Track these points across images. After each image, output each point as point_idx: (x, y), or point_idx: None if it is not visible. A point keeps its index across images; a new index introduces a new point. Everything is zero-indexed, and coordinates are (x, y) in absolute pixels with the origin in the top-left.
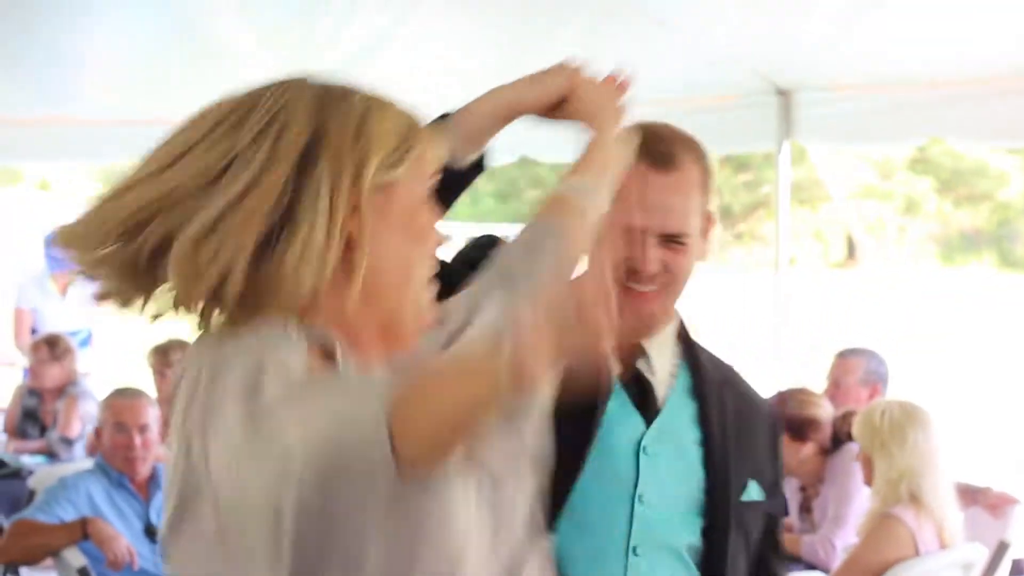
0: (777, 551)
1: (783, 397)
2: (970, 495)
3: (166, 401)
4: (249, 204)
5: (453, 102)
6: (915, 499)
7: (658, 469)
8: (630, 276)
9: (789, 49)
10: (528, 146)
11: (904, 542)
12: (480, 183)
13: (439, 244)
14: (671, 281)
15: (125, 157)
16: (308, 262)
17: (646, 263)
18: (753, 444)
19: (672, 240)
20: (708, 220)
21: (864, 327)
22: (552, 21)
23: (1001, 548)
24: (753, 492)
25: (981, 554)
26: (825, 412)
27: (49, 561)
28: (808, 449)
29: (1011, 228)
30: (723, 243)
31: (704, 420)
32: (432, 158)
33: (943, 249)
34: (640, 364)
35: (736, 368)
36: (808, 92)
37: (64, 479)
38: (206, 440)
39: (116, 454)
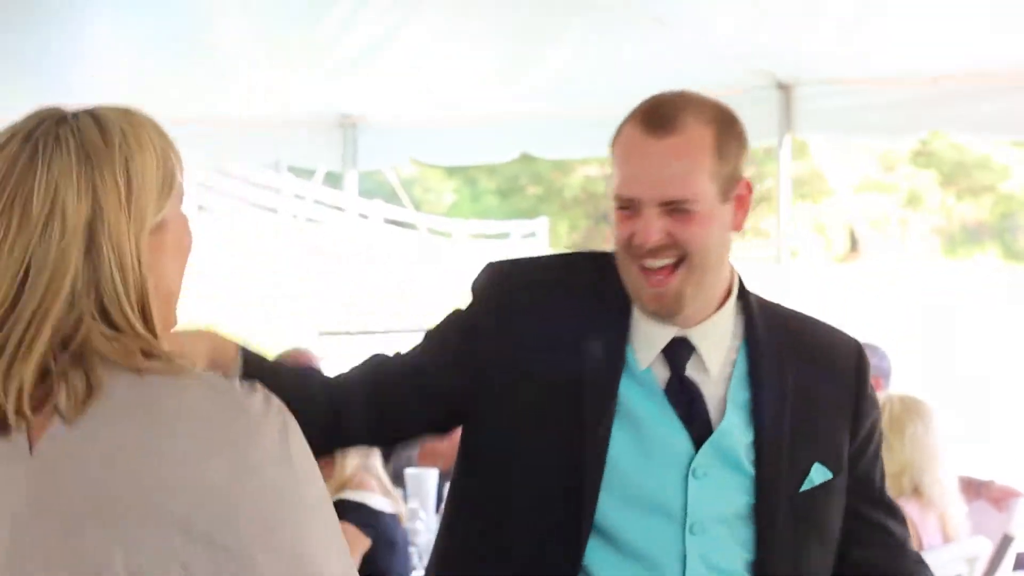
0: (883, 512)
1: None
2: (974, 488)
3: None
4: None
5: (454, 102)
6: (918, 492)
7: (708, 491)
8: (637, 252)
9: (789, 43)
10: (529, 143)
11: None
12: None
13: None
14: (684, 253)
15: None
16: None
17: (645, 234)
18: (818, 419)
19: (675, 208)
20: (733, 185)
21: (867, 321)
22: (553, 22)
23: (1005, 541)
24: (817, 476)
25: (985, 547)
26: None
27: None
28: None
29: (1014, 221)
30: None
31: (757, 414)
32: (182, 175)
33: (946, 242)
34: (690, 367)
35: (812, 314)
36: (809, 86)
37: None
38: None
39: None
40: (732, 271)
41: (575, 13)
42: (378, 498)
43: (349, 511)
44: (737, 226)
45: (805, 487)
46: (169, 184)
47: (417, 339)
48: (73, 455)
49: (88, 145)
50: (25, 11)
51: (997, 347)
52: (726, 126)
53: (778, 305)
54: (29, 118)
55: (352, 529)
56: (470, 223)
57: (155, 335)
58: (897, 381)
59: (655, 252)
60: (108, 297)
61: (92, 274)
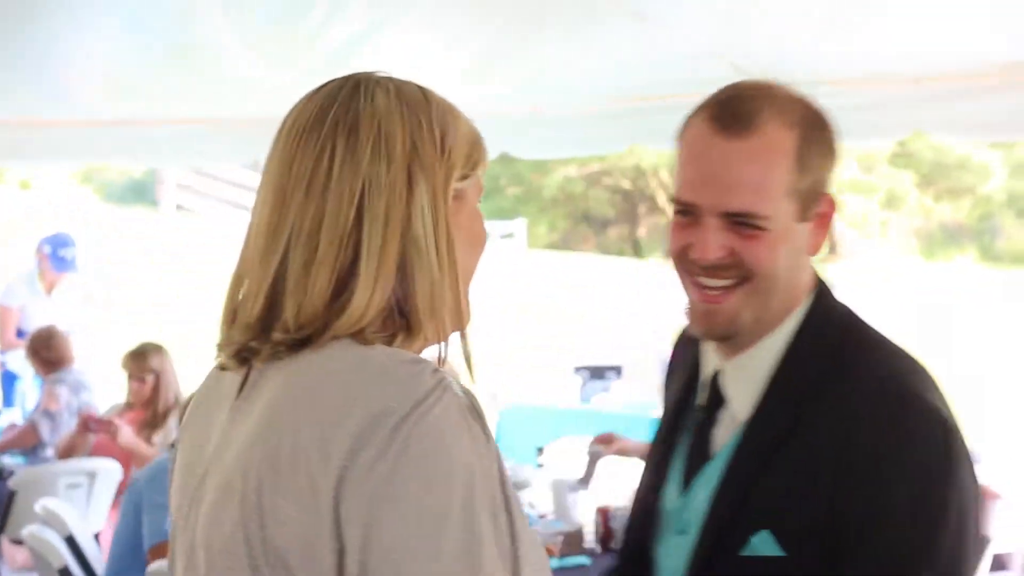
0: None
1: None
2: None
3: (143, 405)
4: (392, 226)
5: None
6: None
7: (674, 545)
8: (692, 268)
9: (769, 44)
10: (508, 143)
11: None
12: None
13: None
14: (747, 276)
15: (107, 158)
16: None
17: (703, 249)
18: (792, 486)
19: (742, 222)
20: (814, 201)
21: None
22: (534, 19)
23: (982, 543)
24: (761, 546)
25: None
26: None
27: (29, 561)
28: None
29: (992, 222)
30: None
31: (732, 458)
32: (485, 169)
33: (925, 243)
34: (701, 395)
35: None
36: (790, 87)
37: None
38: (374, 512)
39: None
40: (801, 290)
41: (554, 11)
42: None
43: None
44: (813, 249)
45: (744, 552)
46: (475, 160)
47: None
48: None
49: (407, 94)
50: (6, 13)
51: (977, 348)
52: (813, 130)
53: (851, 332)
54: (340, 78)
55: None
56: None
57: (456, 285)
58: None
59: (713, 271)
60: (415, 233)
61: (406, 209)
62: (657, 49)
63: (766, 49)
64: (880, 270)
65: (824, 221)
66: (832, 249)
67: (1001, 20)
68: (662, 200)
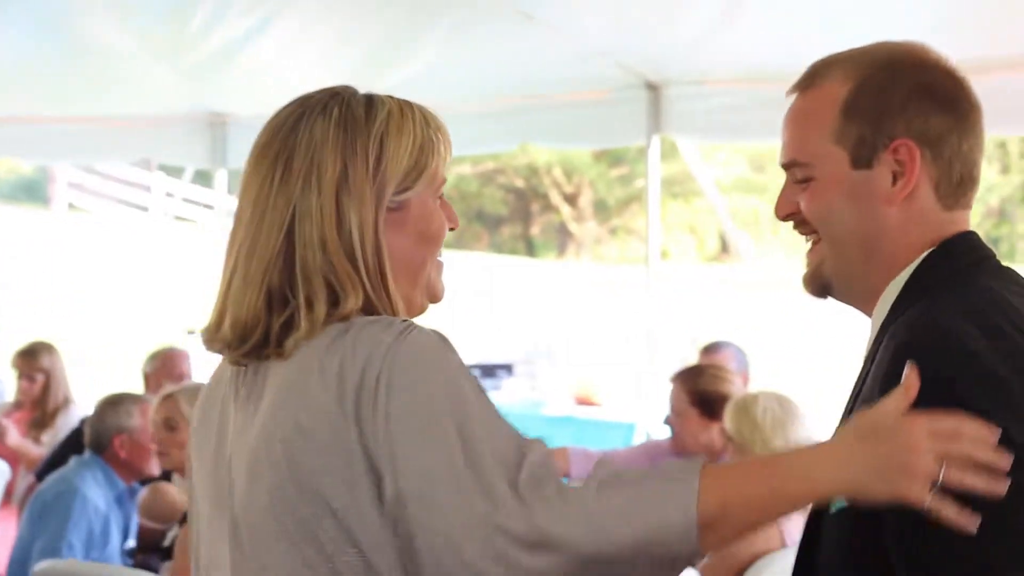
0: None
1: (696, 372)
2: None
3: (32, 404)
4: (327, 244)
5: None
6: None
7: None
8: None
9: (658, 43)
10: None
11: (771, 534)
12: None
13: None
14: (814, 228)
15: (1, 155)
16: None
17: (776, 203)
18: None
19: (796, 175)
20: (874, 147)
21: (734, 320)
22: (422, 18)
23: None
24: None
25: None
26: (738, 389)
27: None
28: (718, 427)
29: None
30: (598, 237)
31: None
32: (442, 168)
33: None
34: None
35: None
36: (678, 87)
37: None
38: (396, 458)
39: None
40: (908, 244)
41: (443, 9)
42: None
43: None
44: (892, 199)
45: (833, 508)
46: (419, 171)
47: None
48: None
49: (349, 119)
50: None
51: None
52: (874, 79)
53: (952, 298)
54: (315, 92)
55: None
56: None
57: (388, 296)
58: (764, 377)
59: (796, 227)
60: (346, 251)
61: (339, 228)
62: (545, 48)
63: (652, 49)
64: (771, 269)
65: (904, 169)
66: (724, 248)
67: (885, 19)
68: (555, 199)
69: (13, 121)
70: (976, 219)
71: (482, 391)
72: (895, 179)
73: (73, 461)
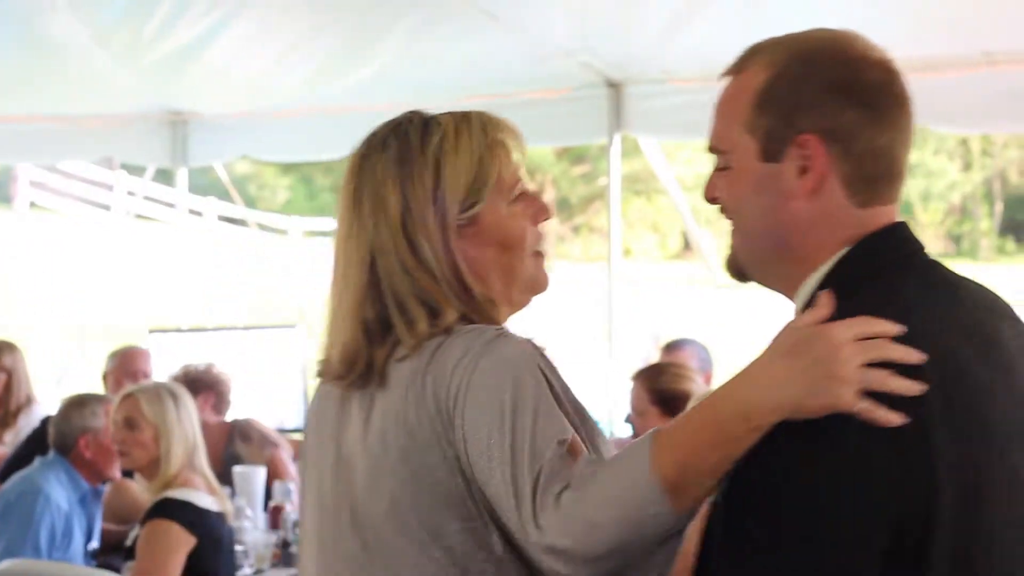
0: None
1: (656, 370)
2: None
3: None
4: (408, 269)
5: (283, 98)
6: None
7: None
8: None
9: (620, 42)
10: (360, 139)
11: None
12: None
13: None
14: (728, 214)
15: None
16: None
17: (705, 187)
18: None
19: (717, 161)
20: (782, 142)
21: (697, 318)
22: (384, 16)
23: None
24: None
25: None
26: (699, 387)
27: None
28: None
29: None
30: (560, 235)
31: None
32: (511, 171)
33: None
34: None
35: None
36: (639, 85)
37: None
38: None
39: (108, 459)
40: (821, 242)
41: (405, 7)
42: (204, 496)
43: (174, 509)
44: (797, 193)
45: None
46: (482, 183)
47: (249, 337)
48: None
49: (404, 149)
50: None
51: None
52: (792, 68)
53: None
54: (382, 124)
55: (177, 528)
56: (304, 220)
57: (478, 304)
58: (725, 376)
59: (720, 211)
60: (427, 271)
61: (413, 255)
62: (507, 47)
63: (614, 48)
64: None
65: (810, 164)
66: (686, 246)
67: (843, 17)
68: None
69: None
70: (938, 216)
71: (542, 388)
72: (802, 174)
73: (37, 461)
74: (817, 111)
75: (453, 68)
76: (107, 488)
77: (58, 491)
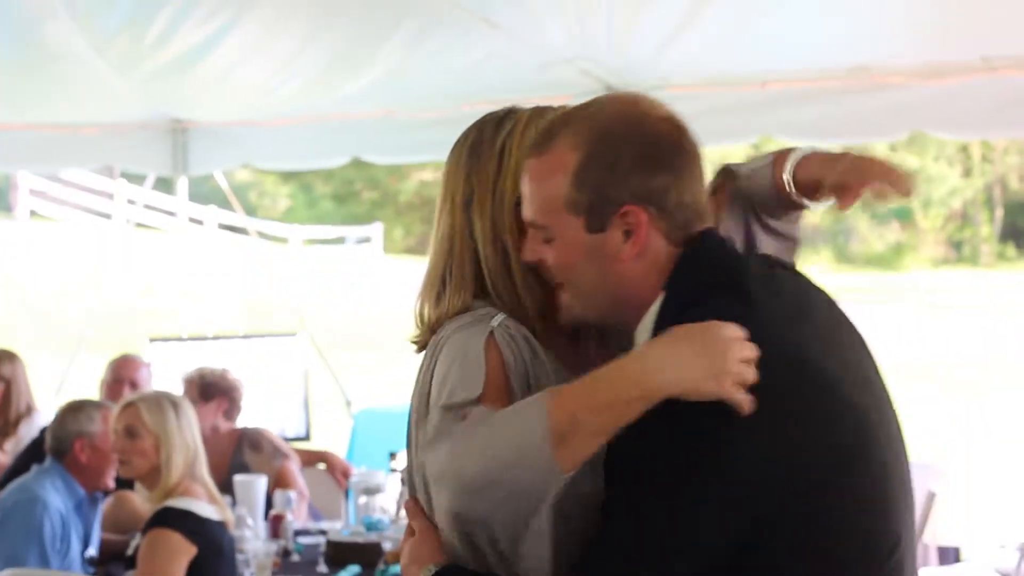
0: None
1: None
2: None
3: None
4: (457, 251)
5: (283, 106)
6: None
7: None
8: None
9: (620, 50)
10: (361, 147)
11: None
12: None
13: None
14: (558, 277)
15: None
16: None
17: (523, 253)
18: None
19: (538, 233)
20: (605, 213)
21: None
22: (383, 23)
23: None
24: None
25: None
26: None
27: None
28: None
29: (846, 224)
30: None
31: None
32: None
33: None
34: None
35: None
36: (638, 91)
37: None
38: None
39: (104, 465)
40: (647, 288)
41: (405, 15)
42: (204, 505)
43: (175, 519)
44: (627, 257)
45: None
46: None
47: (250, 345)
48: None
49: (478, 140)
50: None
51: None
52: (599, 147)
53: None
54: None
55: (178, 537)
56: (305, 228)
57: (515, 292)
58: None
59: (543, 271)
60: (472, 256)
61: (470, 236)
62: (508, 54)
63: (614, 55)
64: None
65: (634, 230)
66: None
67: (844, 24)
68: None
69: None
70: (938, 223)
71: (479, 359)
72: (627, 239)
73: (34, 469)
74: (631, 183)
75: (452, 75)
76: (107, 499)
77: (54, 498)
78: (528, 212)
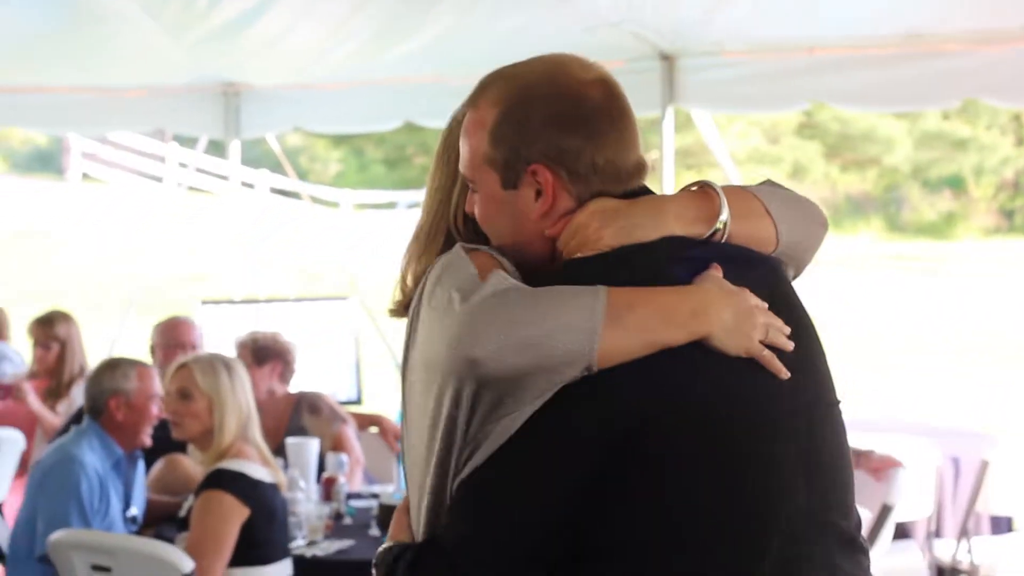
0: None
1: None
2: (853, 458)
3: (48, 373)
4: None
5: (334, 69)
6: None
7: None
8: None
9: (673, 14)
10: (412, 111)
11: None
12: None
13: None
14: (484, 228)
15: (13, 125)
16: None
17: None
18: None
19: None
20: (517, 172)
21: None
22: None
23: (884, 511)
24: None
25: (864, 517)
26: None
27: None
28: None
29: (898, 193)
30: None
31: None
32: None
33: (831, 214)
34: None
35: None
36: (692, 58)
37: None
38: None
39: (141, 422)
40: (542, 257)
41: None
42: (257, 467)
43: (228, 480)
44: (538, 215)
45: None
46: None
47: (302, 309)
48: None
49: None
50: None
51: (882, 319)
52: (514, 105)
53: None
54: None
55: (230, 499)
56: (356, 193)
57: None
58: None
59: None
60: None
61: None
62: (559, 19)
63: (666, 19)
64: None
65: (543, 190)
66: None
67: None
68: None
69: (27, 91)
70: (990, 191)
71: (466, 261)
72: (537, 197)
73: (72, 430)
74: (541, 142)
75: (503, 39)
76: (159, 462)
77: (91, 457)
78: (460, 165)
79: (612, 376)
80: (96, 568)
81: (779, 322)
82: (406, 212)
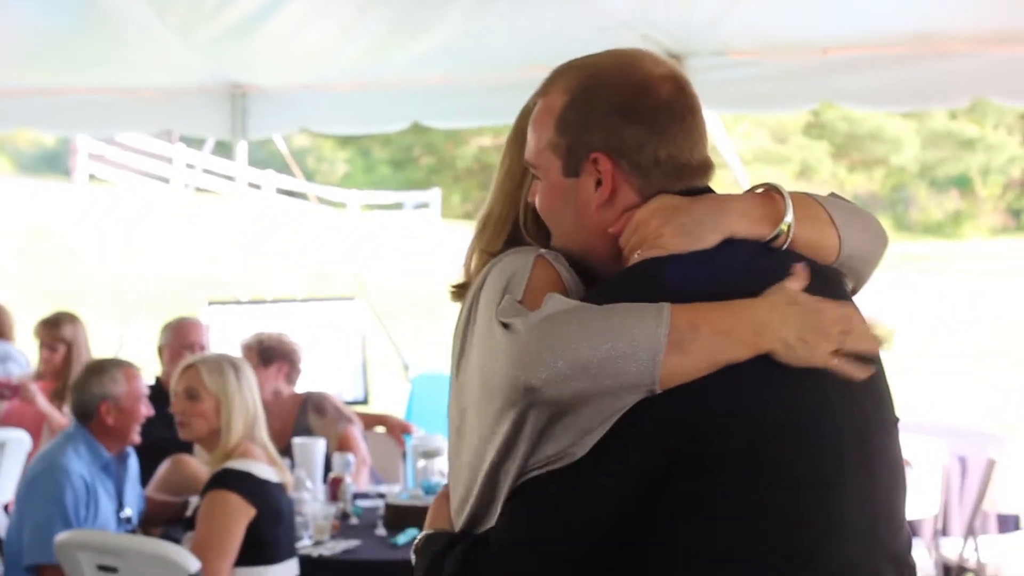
0: None
1: None
2: None
3: (54, 375)
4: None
5: (342, 70)
6: None
7: None
8: None
9: (680, 14)
10: (420, 112)
11: None
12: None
13: None
14: (544, 219)
15: (21, 127)
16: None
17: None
18: None
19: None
20: (579, 159)
21: None
22: None
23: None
24: None
25: None
26: None
27: None
28: None
29: (905, 192)
30: None
31: None
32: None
33: None
34: None
35: None
36: (700, 58)
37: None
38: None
39: (130, 425)
40: (605, 256)
41: None
42: (264, 467)
43: (234, 480)
44: (596, 204)
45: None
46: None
47: (308, 309)
48: None
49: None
50: None
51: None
52: (582, 93)
53: None
54: None
55: (237, 498)
56: (363, 193)
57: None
58: None
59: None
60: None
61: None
62: (568, 19)
63: (673, 21)
64: None
65: (604, 180)
66: None
67: None
68: None
69: (34, 93)
70: (998, 191)
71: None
72: (597, 187)
73: (60, 436)
74: (603, 131)
75: (512, 41)
76: (167, 461)
77: (76, 464)
78: (526, 153)
79: (671, 395)
80: (102, 568)
81: (864, 326)
82: (412, 213)
